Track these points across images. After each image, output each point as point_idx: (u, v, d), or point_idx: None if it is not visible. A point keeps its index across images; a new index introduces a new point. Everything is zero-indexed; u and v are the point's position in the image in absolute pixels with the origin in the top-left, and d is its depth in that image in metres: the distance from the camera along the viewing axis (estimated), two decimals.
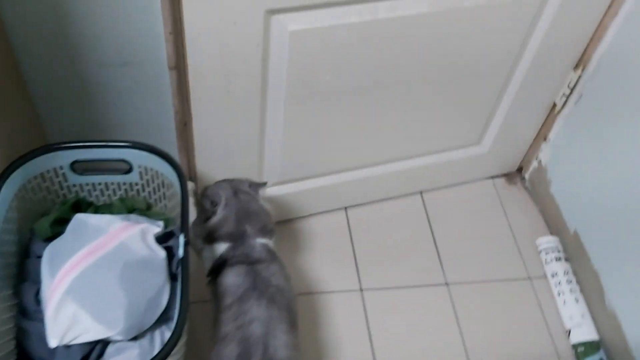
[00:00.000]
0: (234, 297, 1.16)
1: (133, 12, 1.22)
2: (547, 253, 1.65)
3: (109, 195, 1.33)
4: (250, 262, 1.22)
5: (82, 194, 1.31)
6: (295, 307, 1.22)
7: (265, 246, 1.26)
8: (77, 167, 1.25)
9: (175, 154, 1.55)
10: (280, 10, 1.09)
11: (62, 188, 1.28)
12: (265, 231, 1.28)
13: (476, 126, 1.63)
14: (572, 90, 1.55)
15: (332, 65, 1.24)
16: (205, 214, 1.30)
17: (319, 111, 1.35)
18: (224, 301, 1.17)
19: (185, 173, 1.60)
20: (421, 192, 1.77)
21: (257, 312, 1.13)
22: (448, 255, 1.65)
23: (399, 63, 1.30)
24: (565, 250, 1.65)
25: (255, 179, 1.46)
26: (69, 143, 1.21)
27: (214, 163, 1.44)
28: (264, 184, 1.38)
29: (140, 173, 1.27)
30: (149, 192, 1.32)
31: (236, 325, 1.12)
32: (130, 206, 1.32)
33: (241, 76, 1.19)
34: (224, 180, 1.36)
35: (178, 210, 1.20)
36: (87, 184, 1.29)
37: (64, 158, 1.22)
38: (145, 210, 1.34)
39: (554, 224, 1.71)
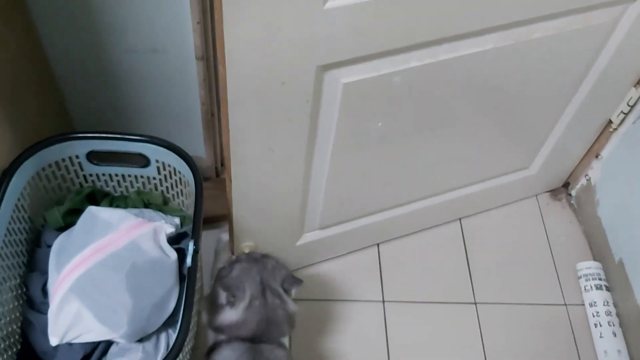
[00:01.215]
0: None
1: None
2: (587, 280, 1.53)
3: (126, 187, 1.29)
4: (254, 340, 1.03)
5: (98, 184, 1.27)
6: None
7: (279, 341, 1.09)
8: (94, 157, 1.21)
9: (201, 145, 1.50)
10: (334, 65, 0.97)
11: (77, 177, 1.24)
12: (284, 333, 1.09)
13: (528, 151, 1.53)
14: (631, 108, 1.42)
15: (385, 111, 1.13)
16: (219, 302, 1.07)
17: (367, 155, 1.24)
18: None
19: (208, 166, 1.57)
20: (460, 218, 1.67)
21: None
22: (480, 272, 1.56)
23: (456, 100, 1.19)
24: (607, 279, 1.53)
25: (296, 227, 1.35)
26: (85, 133, 1.17)
27: (252, 212, 1.26)
28: (300, 282, 1.10)
29: (158, 168, 1.22)
30: (167, 188, 1.28)
31: None
32: (146, 200, 1.28)
33: (287, 134, 1.07)
34: (253, 262, 1.10)
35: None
36: (103, 175, 1.25)
37: (80, 147, 1.18)
38: (161, 205, 1.29)
39: (598, 248, 1.59)
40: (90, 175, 1.25)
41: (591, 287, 1.52)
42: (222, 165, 1.68)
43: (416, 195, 1.48)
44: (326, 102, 1.03)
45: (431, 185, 1.48)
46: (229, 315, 1.04)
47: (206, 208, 1.33)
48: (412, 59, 1.02)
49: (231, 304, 1.04)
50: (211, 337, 1.10)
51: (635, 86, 1.38)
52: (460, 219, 1.65)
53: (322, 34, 0.87)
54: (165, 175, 1.24)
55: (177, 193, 1.28)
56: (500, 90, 1.21)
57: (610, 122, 1.49)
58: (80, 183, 1.26)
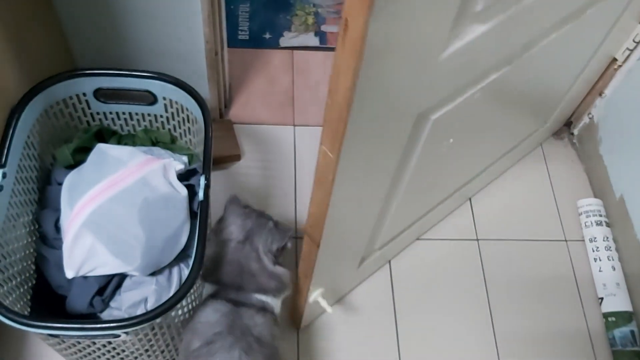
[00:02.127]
0: (203, 340, 0.97)
1: None
2: (587, 216, 1.56)
3: (133, 125, 1.29)
4: (236, 304, 1.02)
5: (105, 122, 1.27)
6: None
7: (262, 302, 1.06)
8: (101, 94, 1.20)
9: (205, 85, 1.50)
10: (431, 109, 0.92)
11: (85, 115, 1.24)
12: (268, 291, 1.07)
13: (548, 109, 1.53)
14: (637, 44, 1.41)
15: (458, 126, 1.08)
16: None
17: (432, 171, 1.20)
18: (191, 344, 0.98)
19: (212, 107, 1.57)
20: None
21: None
22: (481, 211, 1.58)
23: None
24: (607, 215, 1.56)
25: (361, 256, 1.29)
26: (92, 70, 1.16)
27: (330, 261, 1.13)
28: (289, 233, 1.11)
29: (165, 105, 1.22)
30: (174, 126, 1.28)
31: None
32: (154, 138, 1.28)
33: (377, 181, 1.01)
34: (251, 213, 1.12)
35: (202, 147, 1.16)
36: (110, 113, 1.25)
37: (87, 85, 1.18)
38: (169, 144, 1.30)
39: (599, 186, 1.61)
40: (98, 113, 1.25)
41: (591, 223, 1.55)
42: (225, 106, 1.68)
43: (447, 191, 1.46)
44: (414, 141, 0.98)
45: (458, 184, 1.46)
46: (212, 247, 1.07)
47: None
48: (492, 72, 1.00)
49: (210, 236, 1.08)
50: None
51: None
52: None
53: (429, 83, 0.83)
54: (172, 113, 1.24)
55: (185, 131, 1.28)
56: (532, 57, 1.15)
57: (614, 59, 1.49)
58: (87, 121, 1.26)
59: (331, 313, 1.29)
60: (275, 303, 1.07)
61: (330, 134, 0.73)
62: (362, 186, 0.96)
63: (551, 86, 1.41)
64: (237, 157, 1.60)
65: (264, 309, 1.04)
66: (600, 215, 1.55)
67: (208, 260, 1.05)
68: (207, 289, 1.07)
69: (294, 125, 1.68)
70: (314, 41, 1.85)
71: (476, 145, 1.31)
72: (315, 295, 1.20)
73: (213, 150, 1.54)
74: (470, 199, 1.60)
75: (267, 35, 1.84)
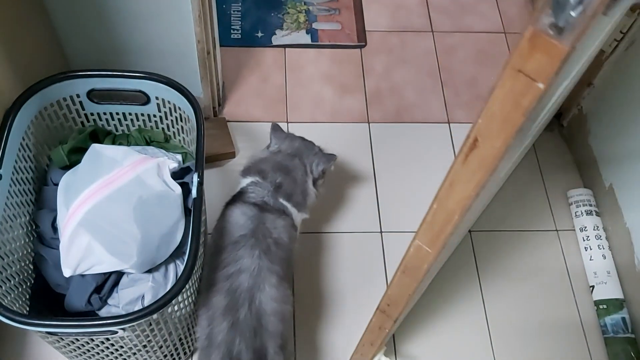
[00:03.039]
0: (230, 240, 1.14)
1: None
2: (578, 206, 1.58)
3: (126, 125, 1.30)
4: (262, 209, 1.19)
5: (100, 123, 1.29)
6: (291, 265, 1.19)
7: (284, 206, 1.23)
8: (94, 95, 1.22)
9: (198, 84, 1.51)
10: None
11: (79, 116, 1.26)
12: (290, 196, 1.24)
13: None
14: (624, 35, 1.43)
15: None
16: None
17: None
18: (222, 240, 1.16)
19: (205, 106, 1.58)
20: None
21: (247, 262, 1.11)
22: None
23: None
24: (597, 205, 1.58)
25: None
26: (86, 71, 1.17)
27: None
28: (334, 158, 1.32)
29: (158, 105, 1.24)
30: (167, 125, 1.29)
31: (226, 275, 1.11)
32: (147, 137, 1.30)
33: None
34: (301, 139, 1.34)
35: (196, 145, 1.17)
36: (104, 113, 1.27)
37: (80, 86, 1.19)
38: (163, 142, 1.31)
39: (588, 176, 1.63)
40: (92, 114, 1.26)
41: (582, 212, 1.57)
42: (219, 104, 1.70)
43: None
44: None
45: None
46: (261, 153, 1.30)
47: (206, 146, 1.35)
48: None
49: (267, 146, 1.32)
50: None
51: (629, 12, 1.39)
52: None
53: None
54: (165, 113, 1.26)
55: (178, 130, 1.30)
56: None
57: (602, 51, 1.50)
58: (82, 122, 1.27)
59: None
60: (295, 212, 1.25)
61: (431, 233, 0.76)
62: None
63: None
64: (231, 155, 1.62)
65: (284, 213, 1.22)
66: (590, 205, 1.57)
67: (255, 159, 1.29)
68: (245, 180, 1.26)
69: (287, 122, 1.70)
70: (306, 39, 1.86)
71: None
72: (379, 357, 1.26)
73: (208, 148, 1.57)
74: None
75: (259, 34, 1.86)
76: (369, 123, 1.73)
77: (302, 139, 1.34)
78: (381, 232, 1.54)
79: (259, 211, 1.18)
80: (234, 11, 1.90)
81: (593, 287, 1.48)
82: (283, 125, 1.68)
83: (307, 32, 1.88)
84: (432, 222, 0.73)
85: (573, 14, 0.43)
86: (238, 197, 1.23)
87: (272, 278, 1.12)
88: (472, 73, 1.85)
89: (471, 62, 1.87)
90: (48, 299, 1.18)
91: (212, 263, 1.14)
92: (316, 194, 1.30)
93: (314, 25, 1.90)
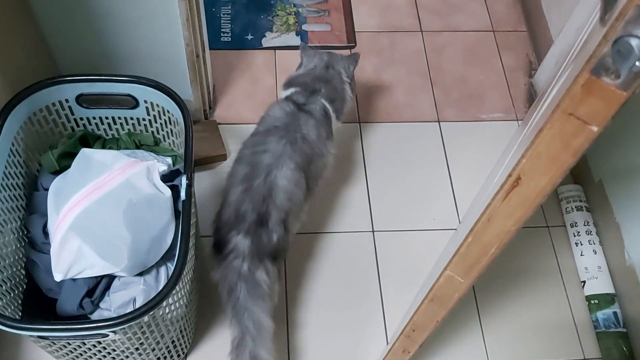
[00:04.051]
0: (265, 127, 1.32)
1: None
2: (568, 202, 1.59)
3: (116, 129, 1.31)
4: (300, 107, 1.35)
5: (89, 127, 1.29)
6: (315, 161, 1.33)
7: (324, 108, 1.38)
8: (83, 100, 1.22)
9: (188, 88, 1.52)
10: None
11: (69, 121, 1.26)
12: (333, 100, 1.40)
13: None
14: None
15: None
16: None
17: None
18: (257, 127, 1.35)
19: (196, 109, 1.59)
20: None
21: (273, 146, 1.26)
22: (462, 198, 1.61)
23: None
24: (587, 200, 1.59)
25: None
26: (74, 76, 1.18)
27: None
28: (356, 59, 1.50)
29: (147, 108, 1.24)
30: (157, 128, 1.30)
31: (252, 151, 1.27)
32: (137, 141, 1.31)
33: None
34: (326, 54, 1.48)
35: None
36: (93, 117, 1.27)
37: (69, 91, 1.19)
38: (153, 146, 1.32)
39: (578, 172, 1.64)
40: (81, 119, 1.27)
41: (572, 208, 1.58)
42: (210, 107, 1.70)
43: None
44: None
45: None
46: (297, 72, 1.47)
47: (196, 149, 1.36)
48: None
49: (300, 65, 1.49)
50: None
51: None
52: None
53: None
54: (154, 116, 1.26)
55: (168, 133, 1.30)
56: None
57: None
58: (71, 127, 1.28)
59: None
60: (334, 117, 1.41)
61: (464, 265, 0.78)
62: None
63: None
64: (223, 157, 1.63)
65: (323, 114, 1.37)
66: (581, 201, 1.58)
67: (294, 75, 1.46)
68: (287, 91, 1.41)
69: None
70: (296, 40, 1.87)
71: None
72: None
73: (199, 151, 1.58)
74: (452, 186, 1.63)
75: (249, 36, 1.87)
76: (359, 123, 1.73)
77: (328, 52, 1.49)
78: (373, 231, 1.55)
79: (297, 109, 1.34)
80: (223, 14, 1.91)
81: (584, 282, 1.49)
82: None
83: (297, 34, 1.89)
84: (466, 254, 0.76)
85: (638, 64, 0.44)
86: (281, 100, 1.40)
87: (291, 163, 1.25)
88: (461, 72, 1.86)
89: (460, 61, 1.88)
90: (41, 304, 1.18)
91: (246, 143, 1.32)
92: (352, 98, 1.48)
93: (304, 27, 1.91)
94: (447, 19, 1.97)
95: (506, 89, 1.83)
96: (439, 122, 1.75)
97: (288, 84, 1.43)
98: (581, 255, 1.52)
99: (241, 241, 1.19)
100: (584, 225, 1.54)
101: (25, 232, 1.20)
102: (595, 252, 1.51)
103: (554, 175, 0.56)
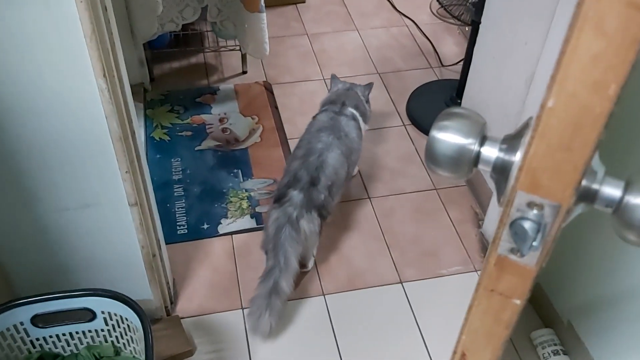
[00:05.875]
0: (316, 128, 1.79)
1: (87, 156, 1.23)
2: (543, 347, 1.57)
3: (75, 344, 1.28)
4: (338, 114, 1.84)
5: (46, 347, 1.26)
6: (353, 153, 1.81)
7: (353, 114, 1.86)
8: (39, 320, 1.21)
9: (147, 287, 1.52)
10: None
11: (24, 343, 1.23)
12: (357, 107, 1.90)
13: None
14: None
15: None
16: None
17: None
18: (308, 128, 1.83)
19: (156, 307, 1.57)
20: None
21: (324, 139, 1.72)
22: (440, 356, 1.58)
23: None
24: (562, 343, 1.58)
25: None
26: (27, 298, 1.17)
27: None
28: (370, 86, 2.04)
29: (105, 319, 1.23)
30: (116, 337, 1.28)
31: (308, 141, 1.74)
32: (97, 354, 1.27)
33: None
34: (348, 83, 2.03)
35: None
36: (50, 336, 1.25)
37: (23, 313, 1.18)
38: (114, 357, 1.28)
39: (545, 314, 1.65)
40: (37, 339, 1.24)
41: (549, 353, 1.55)
42: (171, 302, 1.69)
43: None
44: None
45: None
46: (326, 96, 2.01)
47: (161, 349, 1.33)
48: None
49: (330, 90, 2.06)
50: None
51: None
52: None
53: None
54: (112, 326, 1.25)
55: (128, 341, 1.28)
56: None
57: None
58: (28, 350, 1.24)
59: None
60: (360, 120, 1.90)
61: None
62: None
63: None
64: (189, 353, 1.58)
65: (354, 118, 1.86)
66: (555, 344, 1.57)
67: (325, 99, 1.98)
68: (324, 107, 1.92)
69: (242, 308, 1.69)
70: (251, 223, 1.93)
71: None
72: None
73: (164, 350, 1.54)
74: (427, 348, 1.60)
75: (205, 226, 1.92)
76: (324, 295, 1.73)
77: (350, 83, 2.03)
78: None
79: (336, 115, 1.83)
80: (178, 208, 1.97)
81: None
82: (238, 314, 1.68)
83: (252, 217, 1.95)
84: None
85: (535, 243, 0.49)
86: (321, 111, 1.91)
87: (338, 150, 1.71)
88: (414, 231, 1.92)
89: (410, 221, 1.95)
90: None
91: (302, 138, 1.78)
92: (370, 110, 2.00)
93: (257, 209, 1.97)
94: (390, 184, 2.08)
95: (459, 242, 1.89)
96: (401, 282, 1.76)
97: (322, 105, 1.94)
98: None
99: (296, 195, 1.59)
100: None
101: None
102: None
103: (493, 349, 0.57)
